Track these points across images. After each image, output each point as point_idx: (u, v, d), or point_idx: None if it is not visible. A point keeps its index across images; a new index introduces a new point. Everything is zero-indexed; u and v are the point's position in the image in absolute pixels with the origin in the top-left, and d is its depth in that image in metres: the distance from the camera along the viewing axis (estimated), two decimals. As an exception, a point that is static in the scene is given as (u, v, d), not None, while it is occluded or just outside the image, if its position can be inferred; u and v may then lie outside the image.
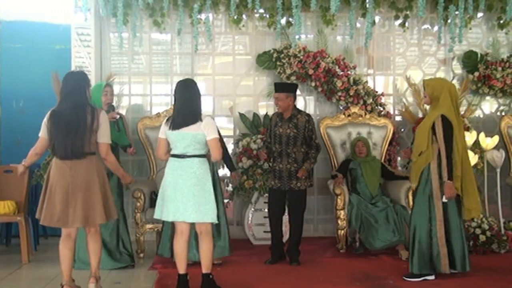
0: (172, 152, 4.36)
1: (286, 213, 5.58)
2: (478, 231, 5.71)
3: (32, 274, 5.23)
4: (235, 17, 6.62)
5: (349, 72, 6.63)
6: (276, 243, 5.51)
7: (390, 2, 6.77)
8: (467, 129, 6.37)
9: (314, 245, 6.18)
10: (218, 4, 6.66)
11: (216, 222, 4.38)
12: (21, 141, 6.49)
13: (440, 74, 6.95)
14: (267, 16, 6.71)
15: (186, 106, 4.33)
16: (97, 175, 4.18)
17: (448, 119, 4.65)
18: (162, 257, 5.29)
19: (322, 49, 6.67)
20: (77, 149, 4.10)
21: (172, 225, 4.76)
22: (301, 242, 5.49)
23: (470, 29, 6.95)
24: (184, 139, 4.28)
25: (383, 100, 6.76)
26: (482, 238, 5.69)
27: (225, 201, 5.78)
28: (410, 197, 5.62)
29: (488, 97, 7.09)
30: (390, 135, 6.55)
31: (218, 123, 5.29)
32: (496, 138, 6.12)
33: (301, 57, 6.57)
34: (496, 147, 6.16)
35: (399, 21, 6.88)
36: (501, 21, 6.88)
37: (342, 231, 5.85)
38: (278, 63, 6.65)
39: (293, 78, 6.61)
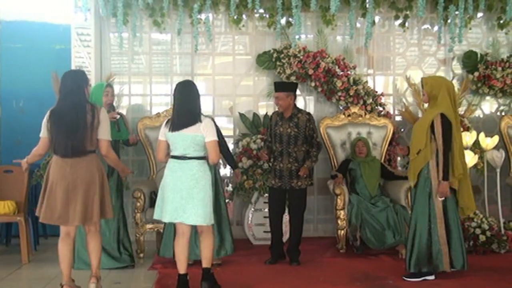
0: (171, 154, 4.37)
1: (286, 213, 5.59)
2: (478, 231, 5.71)
3: (32, 274, 5.24)
4: (235, 17, 6.62)
5: (349, 72, 6.63)
6: (276, 243, 5.51)
7: (390, 2, 6.77)
8: (467, 129, 6.38)
9: (314, 245, 6.18)
10: (218, 4, 6.66)
11: (213, 223, 4.40)
12: (21, 141, 6.50)
13: (440, 74, 6.94)
14: (267, 16, 6.71)
15: (185, 107, 4.33)
16: (97, 173, 4.18)
17: (448, 117, 4.65)
18: (164, 257, 5.27)
19: (322, 49, 6.67)
20: (77, 147, 4.11)
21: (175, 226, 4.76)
22: (301, 242, 5.49)
23: (470, 29, 6.95)
24: (183, 140, 4.28)
25: (383, 100, 6.76)
26: (482, 238, 5.69)
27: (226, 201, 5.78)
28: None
29: (488, 97, 7.09)
30: (390, 135, 6.55)
31: (218, 123, 5.30)
32: (496, 138, 6.12)
33: (301, 57, 6.57)
34: (496, 147, 6.16)
35: (399, 21, 6.88)
36: (501, 21, 6.88)
37: (342, 231, 5.85)
38: (278, 63, 6.65)
39: (293, 78, 6.61)
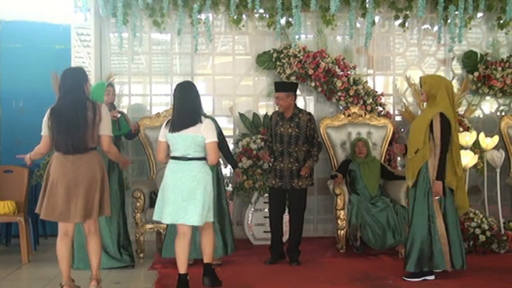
0: (172, 154, 4.37)
1: (286, 213, 5.59)
2: (478, 231, 5.71)
3: (32, 274, 5.24)
4: (235, 17, 6.62)
5: (349, 72, 6.63)
6: (276, 243, 5.51)
7: (390, 2, 6.77)
8: (467, 129, 6.38)
9: (314, 245, 6.18)
10: (218, 4, 6.65)
11: (212, 220, 4.42)
12: (21, 141, 6.49)
13: (440, 74, 6.93)
14: (267, 16, 6.70)
15: (185, 108, 4.34)
16: (98, 170, 4.19)
17: (447, 117, 4.64)
18: (166, 258, 5.25)
19: (322, 49, 6.67)
20: (79, 144, 4.11)
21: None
22: (301, 242, 5.49)
23: (470, 29, 6.95)
24: (184, 141, 4.29)
25: (383, 100, 6.76)
26: (482, 238, 5.69)
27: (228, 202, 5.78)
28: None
29: (488, 97, 7.09)
30: (390, 135, 6.55)
31: (218, 123, 5.30)
32: (496, 138, 6.12)
33: (301, 57, 6.57)
34: (496, 147, 6.16)
35: (399, 21, 6.87)
36: (501, 21, 6.88)
37: (342, 231, 5.85)
38: (278, 63, 6.65)
39: (293, 78, 6.60)
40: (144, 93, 7.07)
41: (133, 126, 5.62)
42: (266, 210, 5.85)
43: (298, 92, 5.76)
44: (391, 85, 7.17)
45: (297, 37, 6.52)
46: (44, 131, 4.22)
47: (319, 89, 6.68)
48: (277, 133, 5.41)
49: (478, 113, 7.05)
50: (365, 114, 6.58)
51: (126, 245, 5.37)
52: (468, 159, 5.74)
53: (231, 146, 6.57)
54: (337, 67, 6.62)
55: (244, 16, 6.75)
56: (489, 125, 6.93)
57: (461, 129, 6.33)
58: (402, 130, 6.93)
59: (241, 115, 6.75)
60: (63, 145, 4.12)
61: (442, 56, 7.09)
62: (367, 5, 6.50)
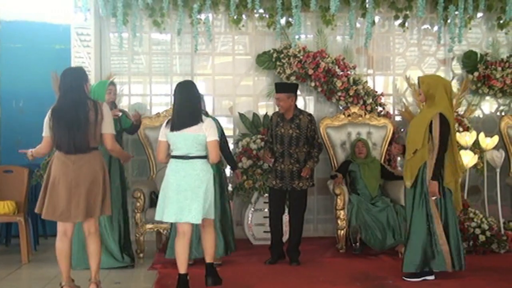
0: (173, 154, 4.36)
1: (286, 213, 5.59)
2: (478, 231, 5.71)
3: (31, 274, 5.24)
4: (235, 17, 6.62)
5: (349, 72, 6.63)
6: (276, 243, 5.50)
7: (390, 2, 6.77)
8: (467, 129, 6.38)
9: (314, 245, 6.18)
10: (218, 4, 6.66)
11: (213, 217, 4.44)
12: (21, 141, 6.46)
13: (440, 74, 6.92)
14: (267, 16, 6.71)
15: (186, 107, 4.34)
16: (100, 170, 4.19)
17: (446, 118, 4.64)
18: (166, 258, 5.24)
19: (322, 49, 6.67)
20: (81, 144, 4.11)
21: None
22: (301, 242, 5.49)
23: (470, 29, 6.95)
24: (185, 140, 4.29)
25: (383, 100, 6.76)
26: (482, 238, 5.69)
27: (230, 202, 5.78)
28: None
29: (488, 97, 7.09)
30: (390, 135, 6.55)
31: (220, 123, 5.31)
32: (496, 138, 6.12)
33: (301, 57, 6.57)
34: (496, 147, 6.16)
35: (399, 21, 6.88)
36: (501, 21, 6.88)
37: (342, 231, 5.85)
38: (278, 63, 6.65)
39: (293, 78, 6.61)
40: (144, 93, 7.06)
41: (134, 116, 5.54)
42: (266, 210, 5.85)
43: (298, 92, 5.77)
44: (391, 85, 7.18)
45: (297, 37, 6.52)
46: (45, 132, 4.22)
47: (319, 89, 6.68)
48: (277, 134, 5.41)
49: (478, 113, 7.06)
50: (365, 114, 6.58)
51: (127, 245, 5.37)
52: (468, 159, 5.74)
53: (231, 146, 6.58)
54: (337, 67, 6.62)
55: (244, 16, 6.75)
56: (489, 125, 6.93)
57: (461, 129, 6.34)
58: (402, 130, 6.93)
59: (241, 115, 6.75)
60: (65, 145, 4.11)
61: (442, 56, 7.09)
62: (367, 5, 6.50)
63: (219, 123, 5.24)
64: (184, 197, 4.24)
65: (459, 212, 5.25)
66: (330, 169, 6.50)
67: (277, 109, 5.57)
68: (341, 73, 6.60)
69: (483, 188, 6.50)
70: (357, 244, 5.71)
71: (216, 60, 7.06)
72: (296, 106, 5.47)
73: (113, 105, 5.39)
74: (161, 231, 5.71)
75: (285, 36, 6.70)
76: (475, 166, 6.09)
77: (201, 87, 6.55)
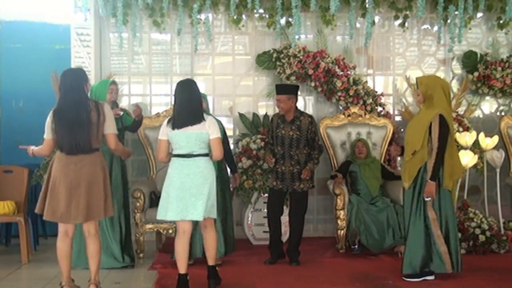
0: (175, 153, 4.36)
1: (286, 214, 5.58)
2: (477, 231, 5.71)
3: (31, 274, 5.24)
4: (235, 17, 6.63)
5: (348, 72, 6.63)
6: (275, 242, 5.49)
7: (390, 2, 6.77)
8: (467, 129, 6.38)
9: (314, 245, 6.18)
10: (218, 4, 6.66)
11: (215, 217, 4.44)
12: (21, 141, 6.44)
13: (440, 74, 6.95)
14: (267, 16, 6.71)
15: (187, 105, 4.34)
16: (100, 172, 4.19)
17: (446, 119, 4.63)
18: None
19: (321, 49, 6.67)
20: (83, 144, 4.11)
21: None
22: (301, 242, 5.49)
23: (470, 29, 6.95)
24: (188, 138, 4.29)
25: (382, 100, 6.76)
26: (482, 238, 5.69)
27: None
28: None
29: (487, 97, 7.09)
30: (390, 135, 6.55)
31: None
32: (495, 138, 6.11)
33: (301, 57, 6.57)
34: (496, 147, 6.16)
35: (399, 21, 6.88)
36: (501, 21, 6.88)
37: (342, 231, 5.85)
38: (278, 63, 6.65)
39: (293, 78, 6.61)
40: (144, 93, 7.06)
41: (135, 112, 5.51)
42: (266, 210, 5.84)
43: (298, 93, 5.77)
44: (391, 85, 7.17)
45: (297, 37, 6.52)
46: (47, 134, 4.21)
47: (319, 89, 6.68)
48: (278, 136, 5.40)
49: (478, 113, 7.06)
50: (365, 114, 6.58)
51: (128, 246, 5.37)
52: (468, 159, 5.74)
53: (231, 146, 6.58)
54: (337, 67, 6.62)
55: (244, 16, 6.75)
56: (489, 125, 6.93)
57: (461, 129, 6.34)
58: (402, 130, 6.92)
59: (241, 115, 6.75)
60: (67, 145, 4.11)
61: (442, 56, 7.09)
62: (367, 5, 6.50)
63: (221, 124, 5.24)
64: (190, 194, 4.24)
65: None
66: (330, 169, 6.50)
67: (277, 110, 5.56)
68: (341, 73, 6.60)
69: (483, 188, 6.50)
70: (356, 246, 5.70)
71: (216, 60, 7.06)
72: (296, 107, 5.45)
73: (114, 104, 5.39)
74: (161, 231, 5.71)
75: (285, 36, 6.71)
76: (475, 166, 6.08)
77: (201, 87, 6.53)
